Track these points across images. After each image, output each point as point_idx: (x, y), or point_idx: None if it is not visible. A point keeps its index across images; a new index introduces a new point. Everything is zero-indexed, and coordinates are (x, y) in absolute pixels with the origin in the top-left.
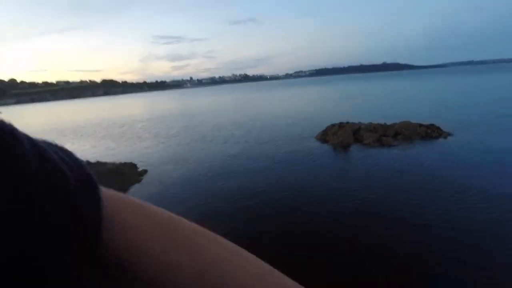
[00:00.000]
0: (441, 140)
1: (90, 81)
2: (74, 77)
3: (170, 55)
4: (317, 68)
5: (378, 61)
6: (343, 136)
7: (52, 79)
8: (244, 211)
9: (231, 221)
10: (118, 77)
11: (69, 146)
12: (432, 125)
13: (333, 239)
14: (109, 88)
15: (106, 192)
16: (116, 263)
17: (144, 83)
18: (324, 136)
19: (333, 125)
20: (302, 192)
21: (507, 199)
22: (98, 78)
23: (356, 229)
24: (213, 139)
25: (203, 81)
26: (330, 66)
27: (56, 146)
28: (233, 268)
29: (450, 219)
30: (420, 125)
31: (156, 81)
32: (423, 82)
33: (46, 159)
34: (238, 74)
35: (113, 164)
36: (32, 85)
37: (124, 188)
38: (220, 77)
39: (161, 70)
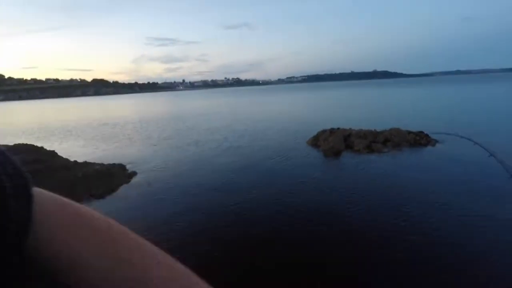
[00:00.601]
0: (429, 147)
1: (80, 80)
2: (64, 75)
3: (164, 57)
4: (309, 74)
5: (369, 68)
6: (334, 142)
7: (42, 77)
8: (232, 216)
9: (218, 227)
10: (109, 77)
11: (57, 145)
12: (421, 132)
13: (323, 245)
14: (99, 88)
15: (39, 192)
16: (44, 261)
17: (136, 84)
18: (316, 141)
19: (324, 131)
20: (292, 198)
21: (493, 209)
22: (88, 78)
23: (345, 236)
24: (205, 143)
25: (195, 84)
26: (322, 73)
27: None
28: (144, 266)
29: (436, 228)
30: (409, 132)
31: (148, 82)
32: (412, 90)
33: None
34: (230, 78)
35: (102, 165)
36: (21, 81)
37: (112, 189)
38: (212, 80)
39: (153, 71)
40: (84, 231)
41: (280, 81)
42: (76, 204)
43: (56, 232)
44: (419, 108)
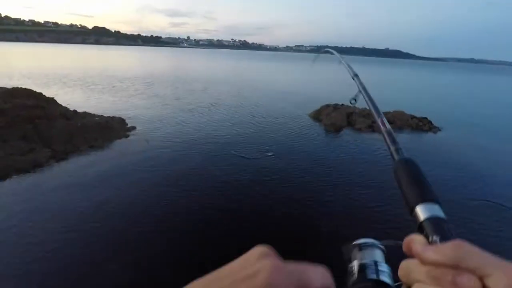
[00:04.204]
0: (430, 134)
1: (80, 26)
2: (64, 19)
3: (169, 10)
4: (318, 44)
5: (381, 46)
6: (336, 118)
7: (40, 18)
8: (229, 180)
9: (215, 189)
10: (111, 26)
11: (58, 93)
12: (425, 118)
13: (315, 215)
14: (100, 36)
15: None
16: None
17: (138, 36)
18: (318, 115)
19: (327, 106)
20: (293, 169)
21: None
22: (89, 24)
23: (339, 209)
24: (211, 107)
25: (201, 42)
26: (331, 44)
27: None
28: None
29: None
30: (413, 117)
31: (151, 36)
32: (423, 74)
33: None
34: (237, 40)
35: (101, 117)
36: (18, 22)
37: (110, 141)
38: (218, 40)
39: (157, 24)
40: None
41: (288, 49)
42: None
43: None
44: (427, 93)
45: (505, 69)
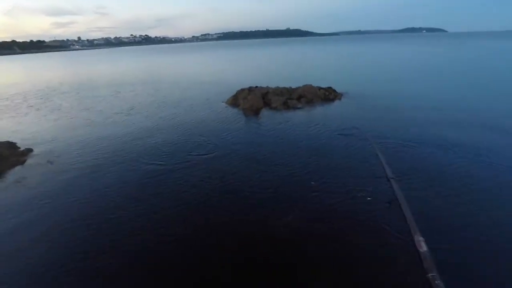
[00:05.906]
0: (337, 101)
1: None
2: None
3: (49, 8)
4: (225, 31)
5: (282, 27)
6: (253, 100)
7: None
8: (149, 187)
9: (135, 206)
10: None
11: None
12: (330, 87)
13: (241, 203)
14: None
15: None
16: None
17: (13, 42)
18: (235, 100)
19: (243, 90)
20: (220, 158)
21: (391, 146)
22: None
23: (265, 190)
24: (119, 112)
25: (95, 42)
26: (237, 30)
27: None
28: None
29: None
30: (320, 88)
31: (31, 41)
32: (321, 48)
33: None
34: (138, 35)
35: None
36: None
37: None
38: (116, 37)
39: (38, 26)
40: None
41: (194, 39)
42: None
43: None
44: (327, 65)
45: (382, 37)
